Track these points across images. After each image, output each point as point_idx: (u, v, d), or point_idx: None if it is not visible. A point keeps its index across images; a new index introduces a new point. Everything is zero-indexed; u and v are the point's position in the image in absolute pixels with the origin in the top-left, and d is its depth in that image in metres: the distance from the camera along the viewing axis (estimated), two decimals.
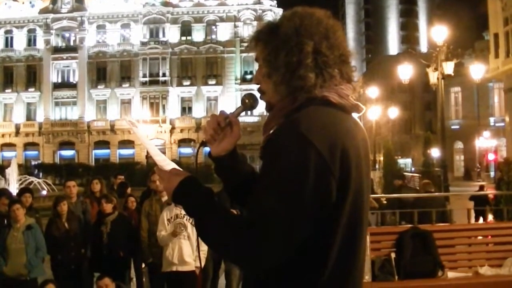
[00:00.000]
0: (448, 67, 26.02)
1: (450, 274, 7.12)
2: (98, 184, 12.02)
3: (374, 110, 51.93)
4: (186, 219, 8.97)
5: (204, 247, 8.42)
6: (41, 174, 57.64)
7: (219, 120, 2.55)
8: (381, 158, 41.46)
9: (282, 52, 2.40)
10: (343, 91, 2.44)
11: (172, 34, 75.70)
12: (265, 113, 2.57)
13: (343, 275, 2.33)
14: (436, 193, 25.16)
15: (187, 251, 8.99)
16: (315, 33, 2.41)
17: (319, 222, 2.23)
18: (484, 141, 68.70)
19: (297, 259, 2.25)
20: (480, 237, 8.32)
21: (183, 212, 8.85)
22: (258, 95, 2.62)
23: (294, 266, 2.27)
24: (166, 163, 2.66)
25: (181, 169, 2.58)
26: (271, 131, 2.46)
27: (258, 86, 2.55)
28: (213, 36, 76.27)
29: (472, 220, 12.76)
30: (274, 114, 2.52)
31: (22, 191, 12.02)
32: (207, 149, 2.67)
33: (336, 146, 2.24)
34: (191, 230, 8.96)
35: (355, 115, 2.52)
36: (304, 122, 2.26)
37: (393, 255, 7.13)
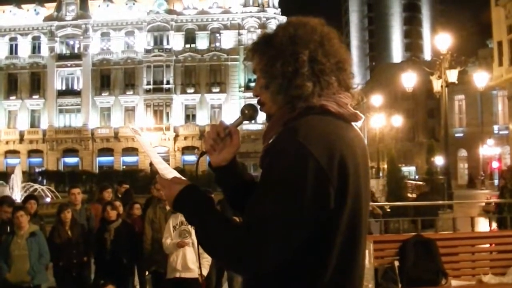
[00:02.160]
0: (452, 75, 26.02)
1: (454, 283, 7.11)
2: (111, 194, 12.07)
3: (378, 118, 51.90)
4: (191, 226, 8.98)
5: (207, 254, 8.44)
6: (45, 181, 57.61)
7: (218, 130, 2.57)
8: (385, 166, 41.45)
9: (278, 62, 2.41)
10: (341, 99, 2.45)
11: (176, 41, 75.78)
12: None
13: (342, 280, 2.35)
14: (440, 201, 25.17)
15: (191, 258, 9.00)
16: (310, 41, 2.42)
17: (318, 229, 2.25)
18: (488, 149, 68.61)
19: (297, 264, 2.27)
20: (483, 245, 8.31)
21: None
22: (257, 105, 2.63)
23: (294, 271, 2.28)
24: (168, 171, 2.69)
25: (182, 178, 2.60)
26: (270, 141, 2.47)
27: (258, 98, 2.56)
28: (217, 44, 76.33)
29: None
30: (273, 123, 2.53)
31: (27, 198, 12.04)
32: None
33: (334, 154, 2.26)
34: (196, 237, 8.96)
35: (354, 124, 2.52)
36: (302, 130, 2.27)
37: (396, 263, 7.12)
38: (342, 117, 2.43)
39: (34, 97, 76.54)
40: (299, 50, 2.40)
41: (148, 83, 75.09)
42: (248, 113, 2.66)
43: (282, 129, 2.40)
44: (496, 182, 58.24)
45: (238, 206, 2.66)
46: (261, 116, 2.66)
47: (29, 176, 57.87)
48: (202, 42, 76.16)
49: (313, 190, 2.20)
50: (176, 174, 2.66)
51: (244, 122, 2.69)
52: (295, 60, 2.39)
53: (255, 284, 2.40)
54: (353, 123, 2.51)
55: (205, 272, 9.04)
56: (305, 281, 2.29)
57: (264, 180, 2.31)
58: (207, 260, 8.70)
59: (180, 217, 9.01)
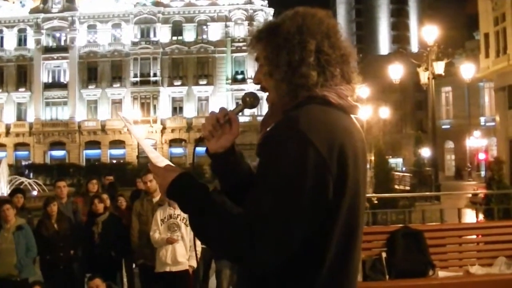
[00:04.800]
0: (439, 67, 26.16)
1: (441, 274, 7.13)
2: (96, 185, 12.01)
3: (365, 110, 52.01)
4: (180, 220, 8.96)
5: (198, 247, 8.42)
6: (31, 175, 57.28)
7: (218, 116, 2.53)
8: (372, 158, 41.55)
9: (284, 51, 2.41)
10: (342, 91, 2.44)
11: (163, 34, 75.63)
12: (256, 113, 2.56)
13: (340, 274, 2.34)
14: (428, 193, 25.26)
15: (181, 251, 8.99)
16: (317, 32, 2.42)
17: (317, 222, 2.23)
18: (475, 141, 68.98)
19: (293, 259, 2.24)
20: (471, 237, 8.34)
21: (176, 212, 8.85)
22: (259, 94, 2.62)
23: (290, 266, 2.26)
24: (160, 160, 2.66)
25: (175, 166, 2.57)
26: (269, 128, 2.45)
27: (260, 85, 2.55)
28: (204, 36, 76.24)
29: None
30: (273, 111, 2.53)
31: (14, 192, 11.99)
32: (201, 149, 2.65)
33: (334, 145, 2.25)
34: (185, 231, 8.96)
35: (353, 116, 2.52)
36: (303, 120, 2.26)
37: (384, 254, 7.13)
38: (342, 109, 2.43)
39: (20, 90, 76.16)
40: (307, 39, 2.40)
41: (135, 76, 74.94)
42: (250, 100, 2.62)
43: (282, 117, 2.39)
44: (483, 173, 58.64)
45: (233, 196, 2.64)
46: (248, 110, 2.63)
47: (16, 169, 57.53)
48: (189, 34, 76.06)
49: (313, 181, 2.18)
50: (168, 162, 2.63)
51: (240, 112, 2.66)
52: (302, 49, 2.39)
53: (250, 279, 2.37)
54: (352, 116, 2.51)
55: (195, 263, 9.05)
56: (302, 275, 2.28)
57: (264, 170, 2.30)
58: (198, 252, 8.68)
59: (168, 210, 8.99)
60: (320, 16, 2.49)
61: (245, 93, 2.66)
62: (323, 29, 2.44)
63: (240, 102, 2.68)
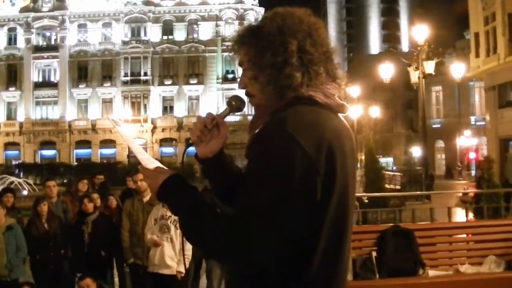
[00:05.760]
0: (429, 66, 26.18)
1: (431, 272, 7.14)
2: (86, 185, 11.97)
3: (356, 109, 52.08)
4: (170, 221, 8.91)
5: (188, 251, 8.38)
6: (21, 174, 57.10)
7: (205, 121, 2.52)
8: (363, 157, 41.64)
9: (267, 53, 2.40)
10: (329, 90, 2.45)
11: (153, 33, 75.46)
12: (246, 112, 2.56)
13: (329, 273, 2.34)
14: (418, 192, 25.31)
15: (169, 253, 8.92)
16: (298, 31, 2.41)
17: (306, 222, 2.23)
18: (465, 140, 69.18)
19: (281, 257, 2.24)
20: (461, 235, 8.36)
21: (168, 213, 8.80)
22: (244, 97, 2.61)
23: (278, 265, 2.26)
24: (150, 162, 2.65)
25: (165, 168, 2.57)
26: (257, 130, 2.46)
27: (246, 90, 2.54)
28: (195, 35, 76.13)
29: None
30: (261, 113, 2.53)
31: (3, 191, 11.92)
32: (191, 148, 2.64)
33: (322, 145, 2.25)
34: (174, 233, 8.90)
35: (340, 115, 2.51)
36: (291, 120, 2.26)
37: (374, 253, 7.14)
38: (329, 108, 2.43)
39: (10, 89, 75.76)
40: (288, 40, 2.39)
41: (126, 75, 74.71)
42: (236, 104, 2.61)
43: (270, 118, 2.39)
44: (473, 172, 58.86)
45: (225, 198, 2.63)
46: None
47: (6, 168, 57.29)
48: (179, 34, 75.94)
49: (301, 180, 2.18)
50: (158, 164, 2.62)
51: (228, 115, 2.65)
52: (284, 50, 2.38)
53: (243, 279, 2.37)
54: (340, 114, 2.51)
55: (183, 269, 8.93)
56: (290, 275, 2.28)
57: (252, 171, 2.30)
58: (187, 257, 8.61)
59: (161, 211, 8.94)
60: (299, 15, 2.48)
61: (231, 97, 2.65)
62: (304, 27, 2.44)
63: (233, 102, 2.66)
